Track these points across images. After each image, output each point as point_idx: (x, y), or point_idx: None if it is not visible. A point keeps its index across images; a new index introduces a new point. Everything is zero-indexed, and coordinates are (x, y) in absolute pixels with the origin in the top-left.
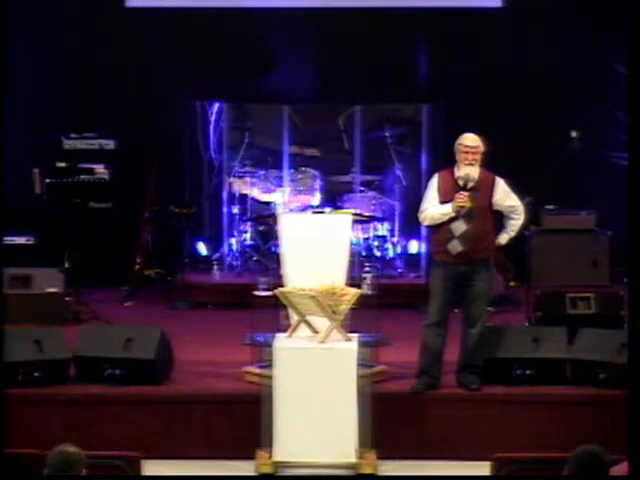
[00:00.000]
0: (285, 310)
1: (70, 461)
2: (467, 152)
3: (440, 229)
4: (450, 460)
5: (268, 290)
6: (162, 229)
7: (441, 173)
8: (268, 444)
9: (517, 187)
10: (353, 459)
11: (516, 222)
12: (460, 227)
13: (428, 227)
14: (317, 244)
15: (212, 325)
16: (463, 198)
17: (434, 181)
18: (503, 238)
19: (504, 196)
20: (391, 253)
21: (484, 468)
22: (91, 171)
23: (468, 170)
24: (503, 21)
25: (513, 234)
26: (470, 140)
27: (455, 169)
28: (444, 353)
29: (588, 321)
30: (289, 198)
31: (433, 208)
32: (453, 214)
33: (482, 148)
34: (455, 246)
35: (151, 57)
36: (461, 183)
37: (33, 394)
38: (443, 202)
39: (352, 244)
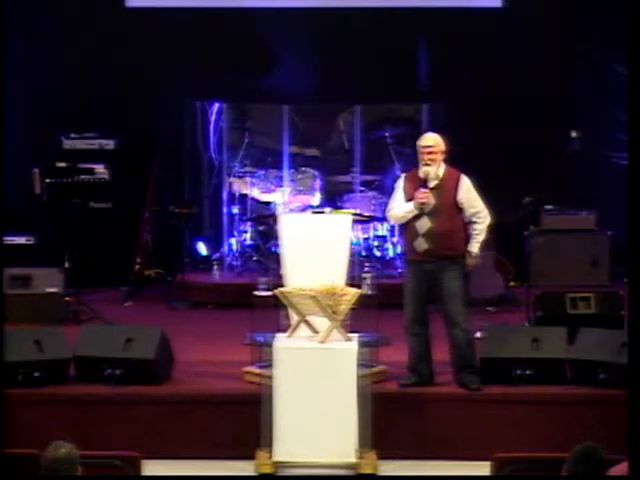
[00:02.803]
0: (285, 310)
1: (62, 460)
2: (422, 152)
3: (407, 227)
4: (450, 460)
5: (268, 290)
6: (162, 229)
7: (407, 173)
8: (268, 444)
9: (517, 187)
10: (353, 459)
11: (479, 226)
12: (424, 225)
13: (400, 226)
14: (317, 244)
15: (212, 325)
16: (423, 195)
17: (400, 182)
18: (473, 246)
19: (467, 195)
20: (391, 253)
21: (484, 468)
22: (91, 171)
23: (426, 169)
24: (503, 21)
25: (481, 238)
26: (425, 140)
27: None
28: (430, 352)
29: (588, 321)
30: (289, 198)
31: (398, 207)
32: (416, 212)
33: (441, 147)
34: (420, 244)
35: (151, 57)
36: (426, 177)
37: (33, 394)
38: (408, 201)
39: (352, 244)
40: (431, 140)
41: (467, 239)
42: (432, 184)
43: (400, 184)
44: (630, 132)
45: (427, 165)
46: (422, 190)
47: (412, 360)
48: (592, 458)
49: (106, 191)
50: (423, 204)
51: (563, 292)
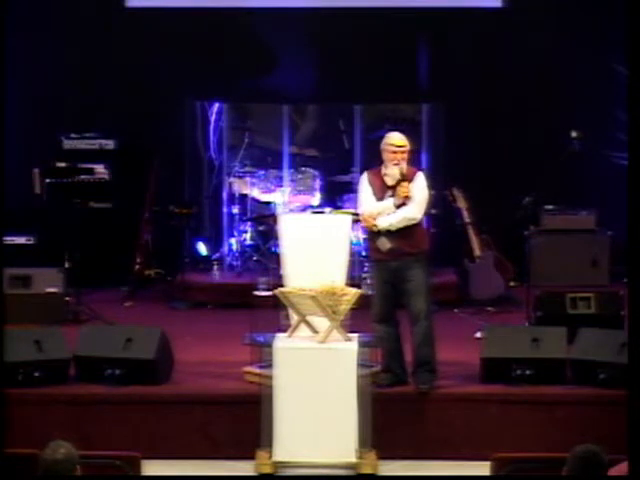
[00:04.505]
0: (285, 310)
1: (60, 460)
2: (395, 152)
3: None
4: (450, 460)
5: (268, 290)
6: (162, 229)
7: (369, 174)
8: (268, 444)
9: (517, 187)
10: (353, 459)
11: (401, 211)
12: None
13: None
14: (317, 244)
15: (212, 325)
16: (406, 190)
17: (365, 183)
18: (383, 219)
19: (415, 187)
20: None
21: (484, 468)
22: (91, 171)
23: (400, 167)
24: (503, 21)
25: (393, 219)
26: (398, 140)
27: (382, 168)
28: (402, 350)
29: (588, 321)
30: (289, 198)
31: (373, 205)
32: (395, 208)
33: (409, 147)
34: (384, 243)
35: (151, 57)
36: (399, 176)
37: (33, 394)
38: (380, 199)
39: (352, 244)
40: (403, 140)
41: (427, 235)
42: (392, 183)
43: (365, 185)
44: (630, 132)
45: (397, 164)
46: (403, 183)
47: (384, 359)
48: (592, 459)
49: (106, 191)
50: (407, 197)
51: (563, 292)
